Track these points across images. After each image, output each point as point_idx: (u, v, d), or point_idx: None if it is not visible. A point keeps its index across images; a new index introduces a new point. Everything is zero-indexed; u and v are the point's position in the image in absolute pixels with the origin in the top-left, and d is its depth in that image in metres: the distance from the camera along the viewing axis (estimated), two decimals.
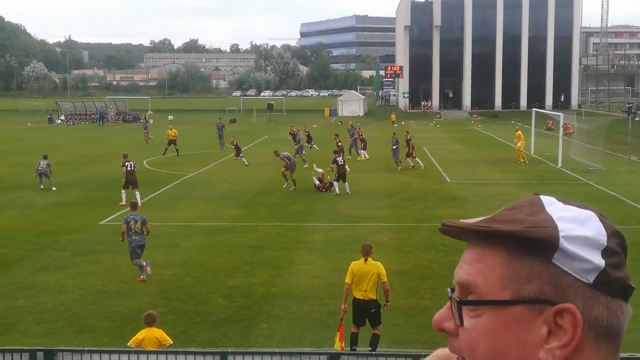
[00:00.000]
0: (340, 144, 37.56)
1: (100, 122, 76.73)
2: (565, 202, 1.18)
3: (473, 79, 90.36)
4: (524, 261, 1.13)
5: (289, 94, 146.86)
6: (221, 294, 15.61)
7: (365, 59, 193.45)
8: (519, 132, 39.55)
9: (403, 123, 75.24)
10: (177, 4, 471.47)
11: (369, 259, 12.05)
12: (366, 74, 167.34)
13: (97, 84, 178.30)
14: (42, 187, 29.82)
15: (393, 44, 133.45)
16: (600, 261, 1.12)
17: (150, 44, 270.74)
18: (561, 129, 39.93)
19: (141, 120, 57.63)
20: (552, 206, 1.17)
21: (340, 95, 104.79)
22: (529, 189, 29.80)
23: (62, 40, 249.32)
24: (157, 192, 29.21)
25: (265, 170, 35.31)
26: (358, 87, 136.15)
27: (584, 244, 1.12)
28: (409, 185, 31.02)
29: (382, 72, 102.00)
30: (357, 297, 12.01)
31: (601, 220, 1.16)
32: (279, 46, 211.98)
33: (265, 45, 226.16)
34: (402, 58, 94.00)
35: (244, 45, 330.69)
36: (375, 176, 33.78)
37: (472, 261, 1.18)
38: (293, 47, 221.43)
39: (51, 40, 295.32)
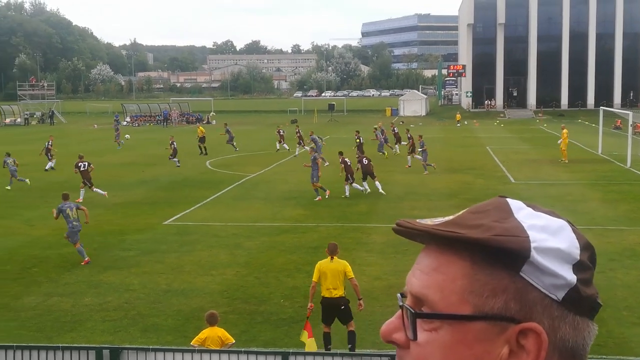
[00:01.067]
0: (358, 140, 37.75)
1: (165, 124, 78.19)
2: (535, 208, 1.08)
3: (538, 77, 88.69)
4: (490, 273, 1.03)
5: (350, 94, 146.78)
6: (282, 294, 15.68)
7: (427, 58, 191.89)
8: (565, 130, 38.93)
9: (466, 123, 74.45)
10: (239, 6, 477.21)
11: (335, 257, 12.24)
12: (428, 73, 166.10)
13: (162, 86, 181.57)
14: (9, 188, 30.22)
15: (456, 43, 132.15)
16: (572, 277, 1.02)
17: (213, 45, 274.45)
18: (630, 128, 38.85)
19: (115, 125, 55.78)
20: (521, 212, 1.07)
21: (402, 95, 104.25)
22: (597, 189, 29.08)
23: (128, 43, 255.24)
24: (219, 193, 29.53)
25: (326, 170, 35.35)
26: (420, 86, 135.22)
27: (556, 257, 1.02)
28: (472, 186, 30.61)
29: (444, 71, 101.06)
30: (325, 295, 12.19)
31: (573, 231, 1.07)
32: (340, 46, 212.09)
33: (327, 46, 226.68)
34: (465, 57, 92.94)
35: (305, 46, 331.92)
36: (436, 176, 33.44)
37: (430, 270, 1.07)
38: (354, 47, 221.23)
39: (117, 43, 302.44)
